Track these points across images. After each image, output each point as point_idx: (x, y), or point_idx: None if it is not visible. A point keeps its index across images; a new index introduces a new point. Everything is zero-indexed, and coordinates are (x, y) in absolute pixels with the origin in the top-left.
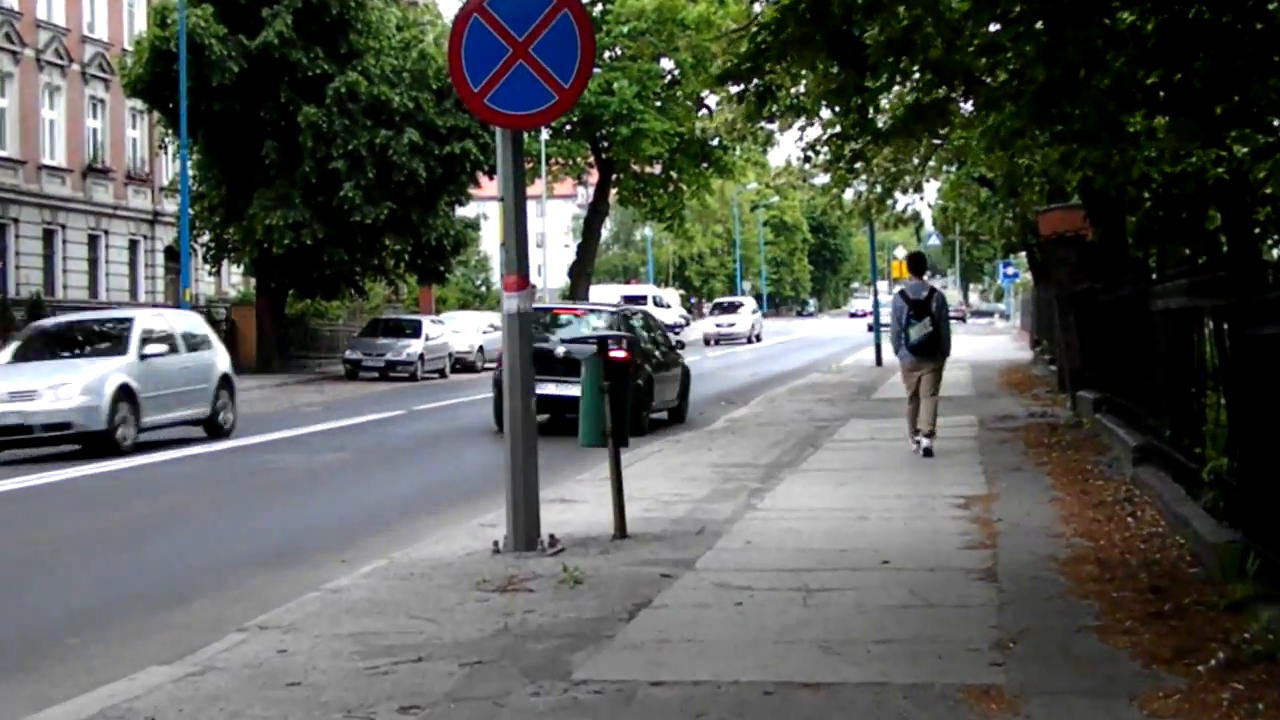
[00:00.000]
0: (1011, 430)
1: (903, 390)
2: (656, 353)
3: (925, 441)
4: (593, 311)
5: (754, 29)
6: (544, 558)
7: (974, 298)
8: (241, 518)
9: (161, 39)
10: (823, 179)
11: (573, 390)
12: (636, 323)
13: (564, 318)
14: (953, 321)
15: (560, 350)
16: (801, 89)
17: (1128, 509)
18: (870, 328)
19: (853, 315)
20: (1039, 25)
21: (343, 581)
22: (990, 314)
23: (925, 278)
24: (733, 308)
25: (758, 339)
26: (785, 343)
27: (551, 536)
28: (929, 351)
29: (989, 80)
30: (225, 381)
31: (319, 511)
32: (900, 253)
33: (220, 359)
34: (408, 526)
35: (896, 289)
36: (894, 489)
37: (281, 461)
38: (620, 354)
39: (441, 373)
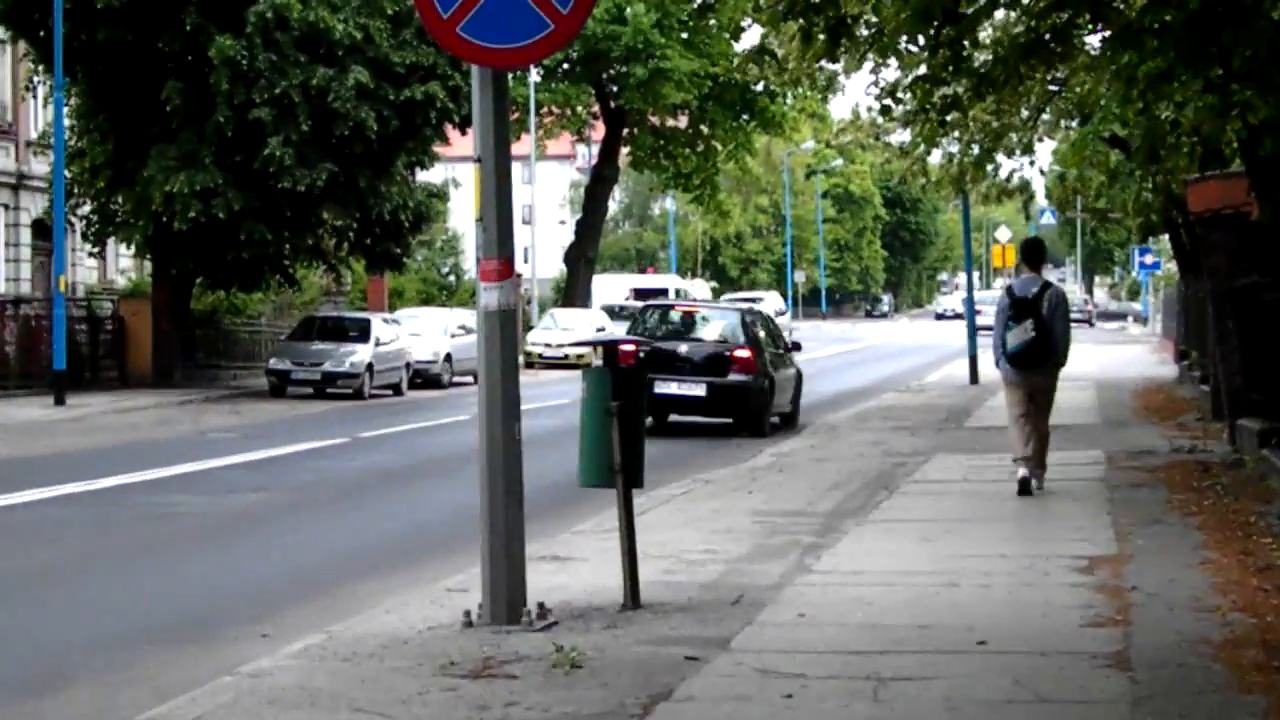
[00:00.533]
0: (1150, 470)
1: (1004, 418)
2: (773, 354)
3: (1023, 472)
4: (711, 309)
5: None
6: (531, 633)
7: (1100, 294)
8: (131, 578)
9: None
10: (902, 136)
11: (694, 390)
12: (756, 322)
13: (677, 314)
14: (1078, 326)
15: (684, 349)
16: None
17: None
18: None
19: (939, 316)
20: None
21: (265, 663)
22: (1122, 316)
23: (1042, 271)
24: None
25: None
26: (850, 354)
27: (541, 606)
28: (1031, 362)
29: (1123, 6)
30: None
31: (233, 570)
32: (1004, 234)
33: None
34: (351, 591)
35: (1004, 284)
36: (995, 547)
37: (184, 505)
38: (743, 354)
39: (396, 389)
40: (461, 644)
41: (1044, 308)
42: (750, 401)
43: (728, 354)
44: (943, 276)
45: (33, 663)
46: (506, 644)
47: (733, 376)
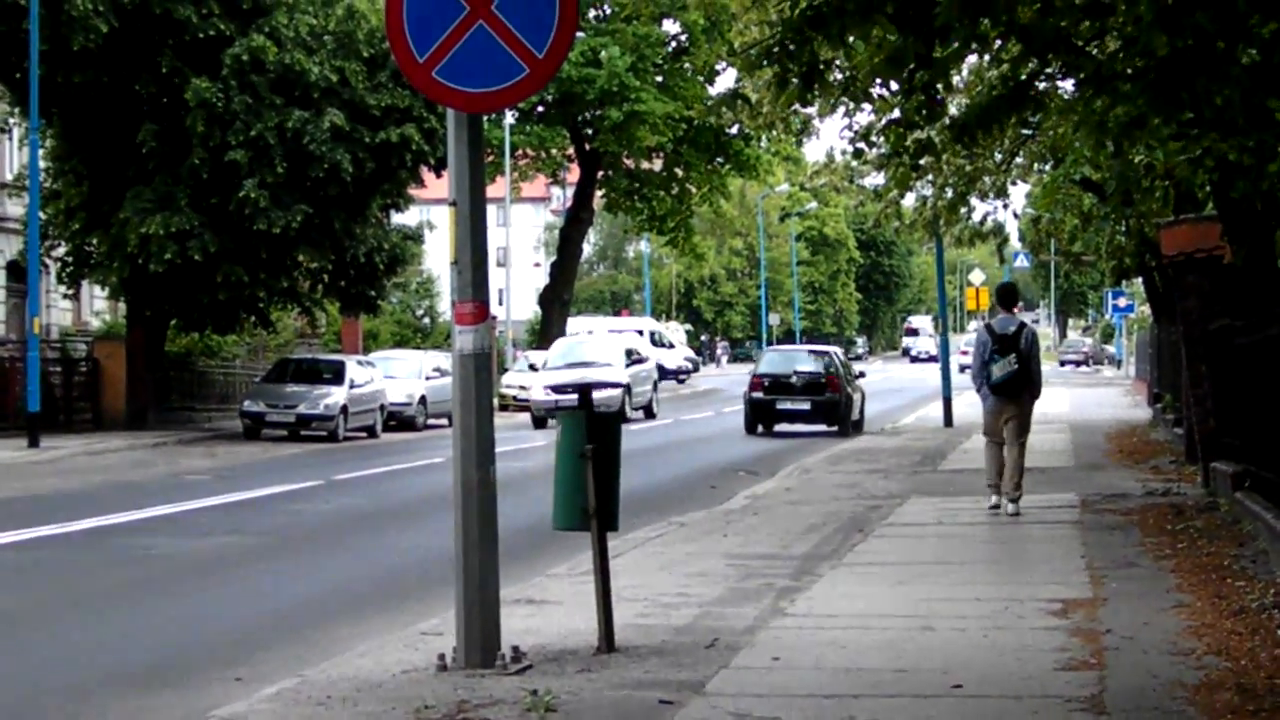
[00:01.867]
0: (1124, 513)
1: (982, 461)
2: (849, 380)
3: (1010, 507)
4: (810, 351)
5: None
6: (505, 677)
7: (1073, 335)
8: (103, 621)
9: None
10: (876, 179)
11: (802, 405)
12: (837, 359)
13: (788, 354)
14: (1085, 368)
15: (794, 378)
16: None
17: (1278, 618)
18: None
19: (913, 359)
20: None
21: (238, 707)
22: (1090, 360)
23: (1016, 311)
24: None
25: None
26: None
27: (515, 649)
28: (1013, 392)
29: (1095, 51)
30: None
31: (207, 614)
32: (977, 277)
33: None
34: (325, 634)
35: (981, 323)
36: (970, 589)
37: (158, 547)
38: (835, 380)
39: (370, 431)
40: (436, 688)
41: (1022, 343)
42: (839, 411)
43: (823, 380)
44: (915, 319)
45: (1, 709)
46: (481, 688)
47: (828, 395)
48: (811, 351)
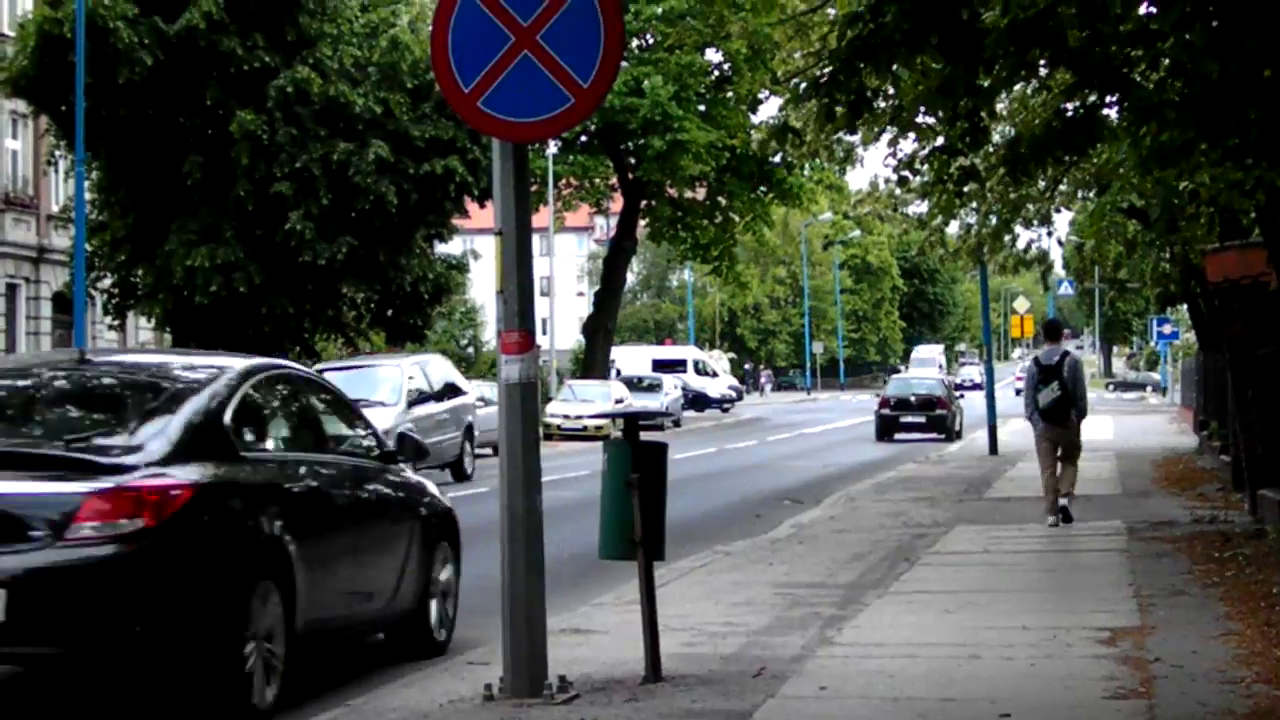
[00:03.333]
0: (1171, 541)
1: (1028, 489)
2: (955, 399)
3: (1064, 501)
4: (925, 377)
5: (839, 17)
6: (552, 707)
7: (1119, 364)
8: None
9: (53, 21)
10: (920, 207)
11: (919, 419)
12: (945, 382)
13: (908, 380)
14: (1137, 394)
15: (912, 397)
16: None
17: None
18: (986, 398)
19: (958, 386)
20: (1208, 7)
21: None
22: (1141, 386)
23: (1061, 342)
24: (653, 386)
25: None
26: (869, 424)
27: (562, 679)
28: (1059, 417)
29: (1141, 79)
30: None
31: None
32: (1021, 304)
33: None
34: (370, 662)
35: (1031, 356)
36: (1017, 618)
37: None
38: (944, 399)
39: None
40: (482, 718)
41: (1065, 371)
42: (947, 423)
43: (935, 399)
44: (961, 347)
45: None
46: (528, 718)
47: (938, 411)
48: (926, 376)
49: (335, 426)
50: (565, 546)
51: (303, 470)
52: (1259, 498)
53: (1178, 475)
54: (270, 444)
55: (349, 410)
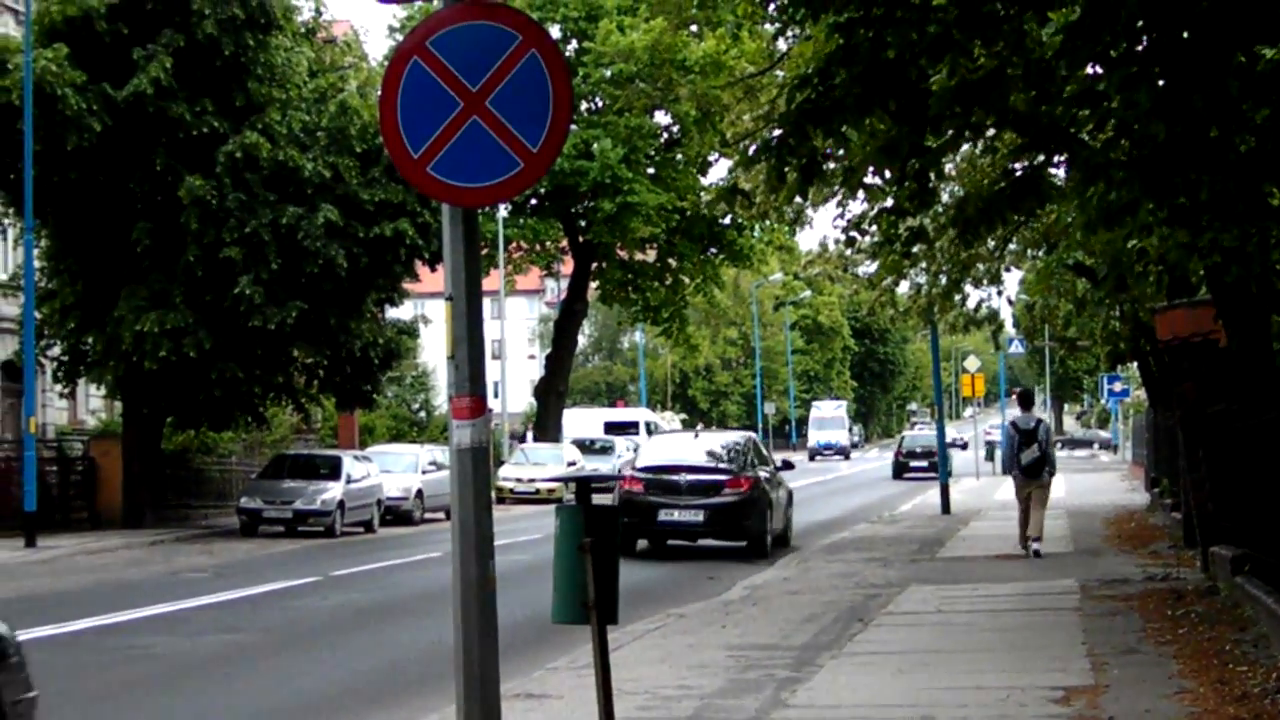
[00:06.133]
0: (1124, 599)
1: (981, 548)
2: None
3: (1035, 545)
4: (930, 438)
5: (787, 80)
6: None
7: (1070, 422)
8: None
9: (1, 89)
10: (870, 267)
11: (924, 464)
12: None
13: (917, 435)
14: (1088, 451)
15: (917, 448)
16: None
17: None
18: (922, 459)
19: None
20: (1154, 68)
21: None
22: (1089, 443)
23: (1032, 410)
24: (605, 449)
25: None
26: (822, 484)
27: None
28: (1035, 472)
29: (1089, 138)
30: None
31: (206, 710)
32: (972, 363)
33: None
34: None
35: (1008, 421)
36: (971, 678)
37: (156, 647)
38: (934, 451)
39: (368, 526)
40: None
41: (1040, 435)
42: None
43: (934, 450)
44: (912, 406)
45: None
46: None
47: (935, 458)
48: (931, 436)
49: None
50: (519, 610)
51: None
52: (1210, 555)
53: (1130, 533)
54: None
55: None
